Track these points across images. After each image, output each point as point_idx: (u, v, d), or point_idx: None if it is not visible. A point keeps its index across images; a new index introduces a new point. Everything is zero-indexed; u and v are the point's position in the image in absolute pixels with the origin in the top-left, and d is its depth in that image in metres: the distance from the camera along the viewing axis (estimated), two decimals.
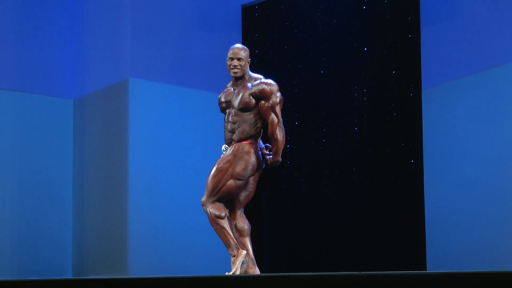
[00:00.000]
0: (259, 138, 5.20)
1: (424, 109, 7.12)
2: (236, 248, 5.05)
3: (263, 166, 5.22)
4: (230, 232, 5.08)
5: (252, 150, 5.11)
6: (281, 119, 5.11)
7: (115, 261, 7.36)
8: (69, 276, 7.80)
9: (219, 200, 5.09)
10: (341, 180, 7.57)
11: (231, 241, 5.06)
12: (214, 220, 5.05)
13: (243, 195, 5.21)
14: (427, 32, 7.10)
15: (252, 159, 5.10)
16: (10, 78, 7.67)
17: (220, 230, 5.06)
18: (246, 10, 8.08)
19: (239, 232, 5.18)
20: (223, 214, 5.08)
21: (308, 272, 5.10)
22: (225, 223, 5.08)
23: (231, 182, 5.07)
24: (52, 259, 7.74)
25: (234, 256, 5.04)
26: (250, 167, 5.11)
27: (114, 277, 4.74)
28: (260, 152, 5.18)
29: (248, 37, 8.03)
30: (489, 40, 6.61)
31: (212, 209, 5.06)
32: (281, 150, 5.12)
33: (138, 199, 7.32)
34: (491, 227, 6.46)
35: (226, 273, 5.06)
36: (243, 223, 5.21)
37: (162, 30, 7.63)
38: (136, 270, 7.19)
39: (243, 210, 5.31)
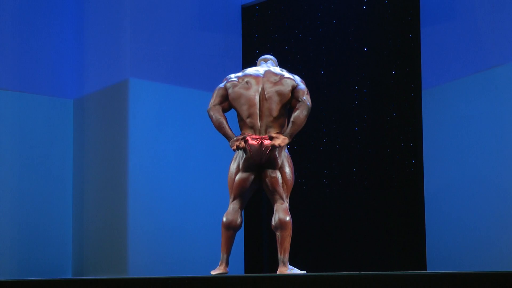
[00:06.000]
0: (242, 128, 5.22)
1: (424, 109, 7.12)
2: None
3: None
4: None
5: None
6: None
7: (115, 261, 7.36)
8: (69, 276, 7.80)
9: None
10: (341, 180, 7.57)
11: None
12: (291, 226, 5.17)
13: None
14: (427, 32, 7.10)
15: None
16: (10, 78, 7.67)
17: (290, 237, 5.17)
18: (246, 10, 8.07)
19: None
20: None
21: (308, 272, 5.10)
22: None
23: None
24: (52, 259, 7.74)
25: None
26: None
27: (114, 277, 4.74)
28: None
29: (248, 37, 8.03)
30: (489, 40, 6.60)
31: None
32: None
33: (138, 199, 7.32)
34: (491, 227, 6.46)
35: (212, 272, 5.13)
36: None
37: (162, 30, 7.62)
38: (136, 270, 7.19)
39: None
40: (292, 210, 7.93)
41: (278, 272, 5.03)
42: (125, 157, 7.35)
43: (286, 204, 5.13)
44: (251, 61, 7.87)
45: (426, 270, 6.84)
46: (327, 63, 7.69)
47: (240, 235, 7.61)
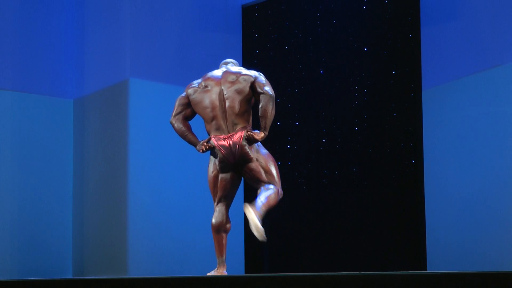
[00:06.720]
0: (210, 132, 5.21)
1: (424, 109, 7.13)
2: None
3: (217, 156, 5.18)
4: None
5: None
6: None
7: (115, 261, 7.36)
8: (69, 276, 7.80)
9: None
10: (341, 180, 7.57)
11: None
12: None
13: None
14: (427, 32, 7.11)
15: None
16: (10, 78, 7.67)
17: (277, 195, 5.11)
18: (246, 10, 8.08)
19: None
20: None
21: (308, 272, 5.10)
22: None
23: None
24: (52, 259, 7.74)
25: None
26: None
27: (114, 277, 4.74)
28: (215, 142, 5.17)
29: (248, 37, 8.03)
30: (489, 40, 6.60)
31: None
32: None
33: (138, 199, 7.32)
34: (491, 227, 6.47)
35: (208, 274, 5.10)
36: None
37: (162, 30, 7.62)
38: (136, 270, 7.19)
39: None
40: (292, 210, 7.93)
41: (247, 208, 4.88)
42: (125, 157, 7.35)
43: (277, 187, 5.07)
44: (251, 61, 7.88)
45: (426, 270, 6.84)
46: (327, 63, 7.69)
47: (240, 235, 7.61)
